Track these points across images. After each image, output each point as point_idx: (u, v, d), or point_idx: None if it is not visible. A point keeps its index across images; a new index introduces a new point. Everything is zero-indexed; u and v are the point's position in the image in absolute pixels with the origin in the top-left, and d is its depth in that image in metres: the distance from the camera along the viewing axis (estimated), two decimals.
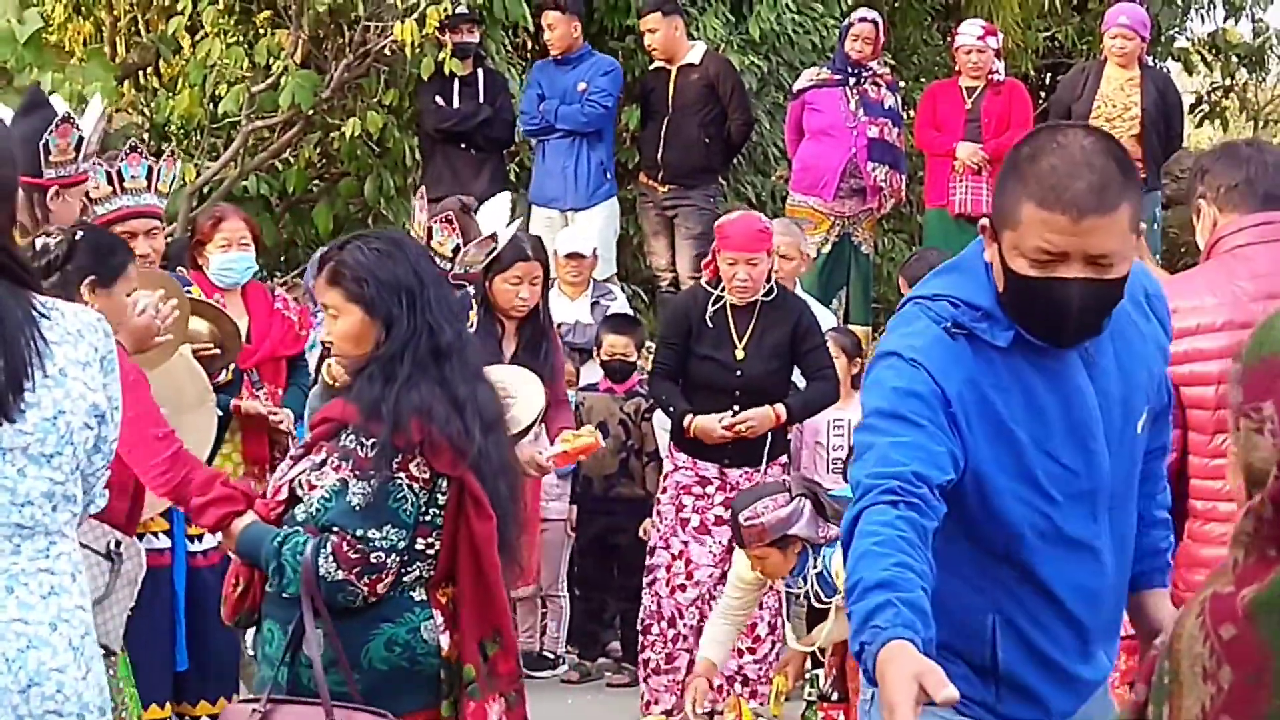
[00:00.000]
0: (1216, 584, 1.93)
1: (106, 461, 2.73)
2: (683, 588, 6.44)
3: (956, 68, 9.23)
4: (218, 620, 5.46)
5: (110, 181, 5.02)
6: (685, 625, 6.40)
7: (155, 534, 5.29)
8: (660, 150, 8.88)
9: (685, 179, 8.88)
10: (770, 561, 5.30)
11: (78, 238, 4.11)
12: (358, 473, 3.36)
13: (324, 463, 3.39)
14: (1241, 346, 1.91)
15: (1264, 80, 15.76)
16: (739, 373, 6.33)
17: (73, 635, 2.63)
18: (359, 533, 3.35)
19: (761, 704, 6.31)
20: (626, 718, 6.19)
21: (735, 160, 9.96)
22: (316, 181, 9.58)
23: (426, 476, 3.38)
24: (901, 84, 10.05)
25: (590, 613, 7.29)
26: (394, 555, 3.37)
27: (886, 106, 8.96)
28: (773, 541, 5.18)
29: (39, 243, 4.11)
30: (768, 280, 6.31)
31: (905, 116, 9.65)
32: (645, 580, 6.51)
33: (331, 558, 3.35)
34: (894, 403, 2.51)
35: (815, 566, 5.26)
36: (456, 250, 5.35)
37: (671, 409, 6.37)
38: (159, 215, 5.28)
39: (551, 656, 7.29)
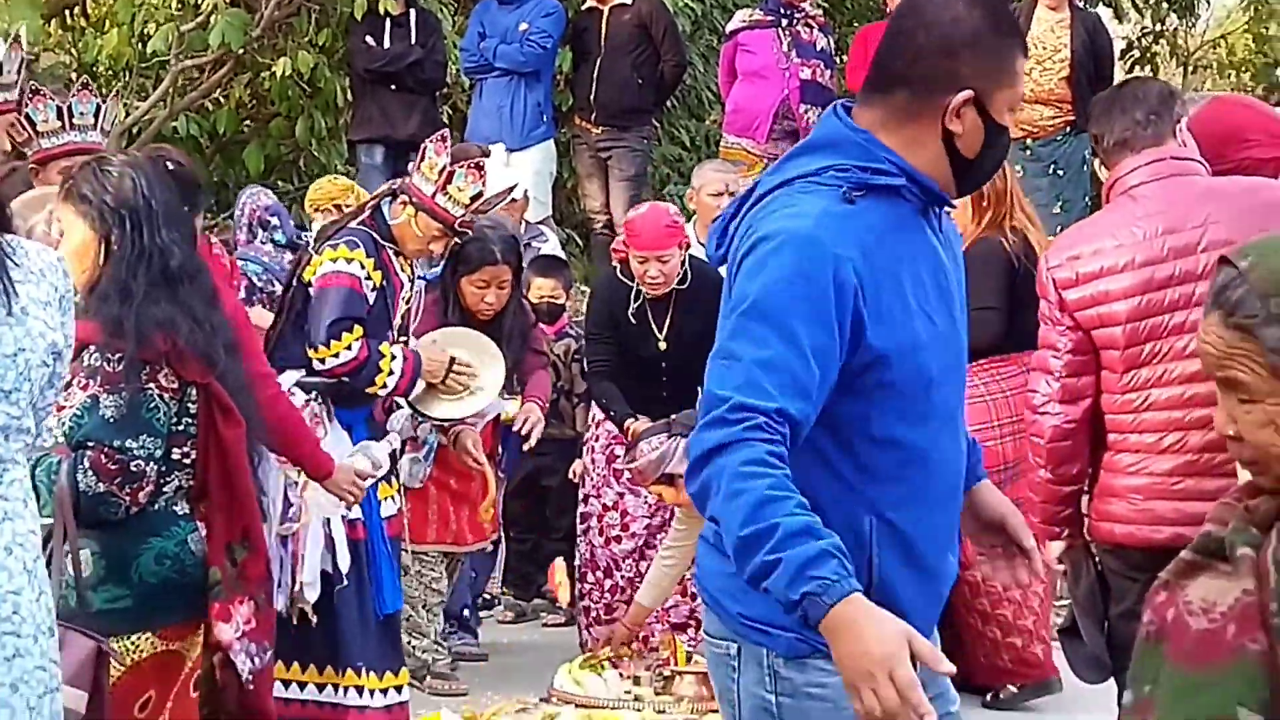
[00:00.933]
0: None
1: (57, 396, 2.84)
2: (618, 539, 6.46)
3: (889, 10, 9.25)
4: None
5: (60, 116, 5.02)
6: (622, 577, 6.43)
7: None
8: (593, 91, 8.87)
9: (618, 120, 8.87)
10: (667, 496, 5.57)
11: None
12: (107, 387, 3.43)
13: (69, 384, 3.41)
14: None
15: (1194, 25, 15.87)
16: (664, 363, 6.36)
17: (26, 559, 2.70)
18: (116, 443, 3.41)
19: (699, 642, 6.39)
20: (562, 655, 6.24)
21: (669, 104, 9.94)
22: (247, 122, 9.50)
23: (176, 386, 3.47)
24: (835, 27, 10.06)
25: (524, 554, 7.32)
26: (152, 464, 3.44)
27: (819, 48, 8.96)
28: (657, 480, 5.40)
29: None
30: (683, 266, 6.29)
31: (838, 60, 9.67)
32: (580, 527, 6.55)
33: (90, 471, 3.41)
34: (773, 300, 2.38)
35: None
36: (475, 198, 5.30)
37: (613, 413, 6.38)
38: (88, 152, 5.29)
39: (488, 597, 7.34)
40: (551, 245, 7.89)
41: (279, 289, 6.19)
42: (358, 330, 5.05)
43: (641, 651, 6.28)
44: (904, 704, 2.16)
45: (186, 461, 3.50)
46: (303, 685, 5.11)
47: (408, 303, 5.41)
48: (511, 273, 6.01)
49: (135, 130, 8.89)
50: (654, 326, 6.36)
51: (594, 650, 6.30)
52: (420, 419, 5.61)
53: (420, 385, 5.42)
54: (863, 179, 2.47)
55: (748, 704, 2.53)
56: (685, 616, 6.41)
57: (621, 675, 5.98)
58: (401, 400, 5.49)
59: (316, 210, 6.80)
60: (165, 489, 3.50)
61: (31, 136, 4.93)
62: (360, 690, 5.07)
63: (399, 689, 5.20)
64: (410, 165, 5.32)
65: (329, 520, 4.98)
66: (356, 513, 5.08)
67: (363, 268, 5.09)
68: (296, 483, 4.97)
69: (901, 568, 2.51)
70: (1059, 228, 6.23)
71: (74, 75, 8.62)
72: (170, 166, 4.41)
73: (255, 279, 6.44)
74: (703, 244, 6.74)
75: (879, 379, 2.45)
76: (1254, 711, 1.90)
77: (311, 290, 5.13)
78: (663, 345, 6.36)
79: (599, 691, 5.83)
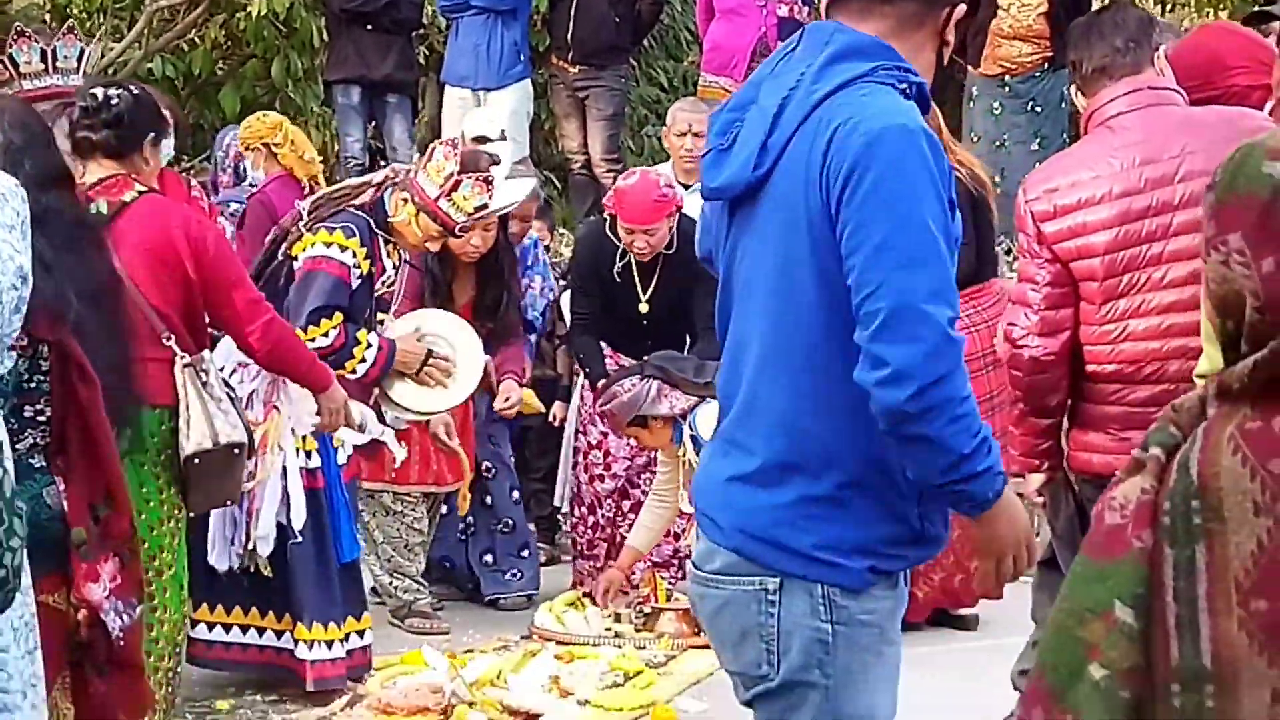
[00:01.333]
0: (1231, 421, 1.93)
1: (21, 322, 2.77)
2: (600, 478, 6.49)
3: None
4: None
5: (44, 59, 5.01)
6: (602, 515, 6.46)
7: None
8: (569, 29, 8.81)
9: (595, 58, 8.82)
10: (642, 439, 5.61)
11: (137, 94, 4.28)
12: None
13: None
14: (1214, 179, 1.92)
15: None
16: (645, 323, 6.36)
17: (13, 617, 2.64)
18: None
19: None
20: (543, 595, 6.28)
21: (647, 44, 9.89)
22: (222, 63, 9.45)
23: (25, 343, 3.34)
24: None
25: None
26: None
27: None
28: (631, 422, 5.44)
29: (99, 94, 4.28)
30: (670, 232, 6.25)
31: None
32: (569, 462, 6.57)
33: None
34: (935, 201, 2.43)
35: (689, 430, 5.42)
36: (480, 209, 5.25)
37: (589, 370, 6.38)
38: (61, 96, 5.27)
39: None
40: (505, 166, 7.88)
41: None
42: (337, 317, 5.09)
43: (623, 589, 6.32)
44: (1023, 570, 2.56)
45: (41, 419, 3.36)
46: (261, 631, 5.15)
47: (389, 286, 5.42)
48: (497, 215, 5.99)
49: (110, 72, 8.82)
50: (638, 287, 6.37)
51: (583, 582, 6.35)
52: (391, 408, 5.57)
53: (395, 375, 5.42)
54: (907, 78, 2.53)
55: (799, 636, 2.55)
56: (667, 556, 6.45)
57: (603, 613, 6.02)
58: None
59: (247, 149, 6.76)
60: (19, 446, 3.35)
61: (13, 77, 4.95)
62: (311, 644, 5.10)
63: (360, 633, 5.24)
64: (416, 161, 5.26)
65: (285, 474, 5.00)
66: (316, 461, 5.10)
67: (354, 256, 5.10)
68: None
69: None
70: (1036, 164, 6.22)
71: (47, 16, 8.54)
72: (135, 92, 4.38)
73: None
74: (681, 184, 6.77)
75: None
76: (1128, 607, 1.93)
77: (297, 267, 5.12)
78: (644, 307, 6.37)
79: (580, 629, 5.87)
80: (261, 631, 5.16)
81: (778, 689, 2.59)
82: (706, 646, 5.78)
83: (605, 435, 6.46)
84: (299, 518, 5.01)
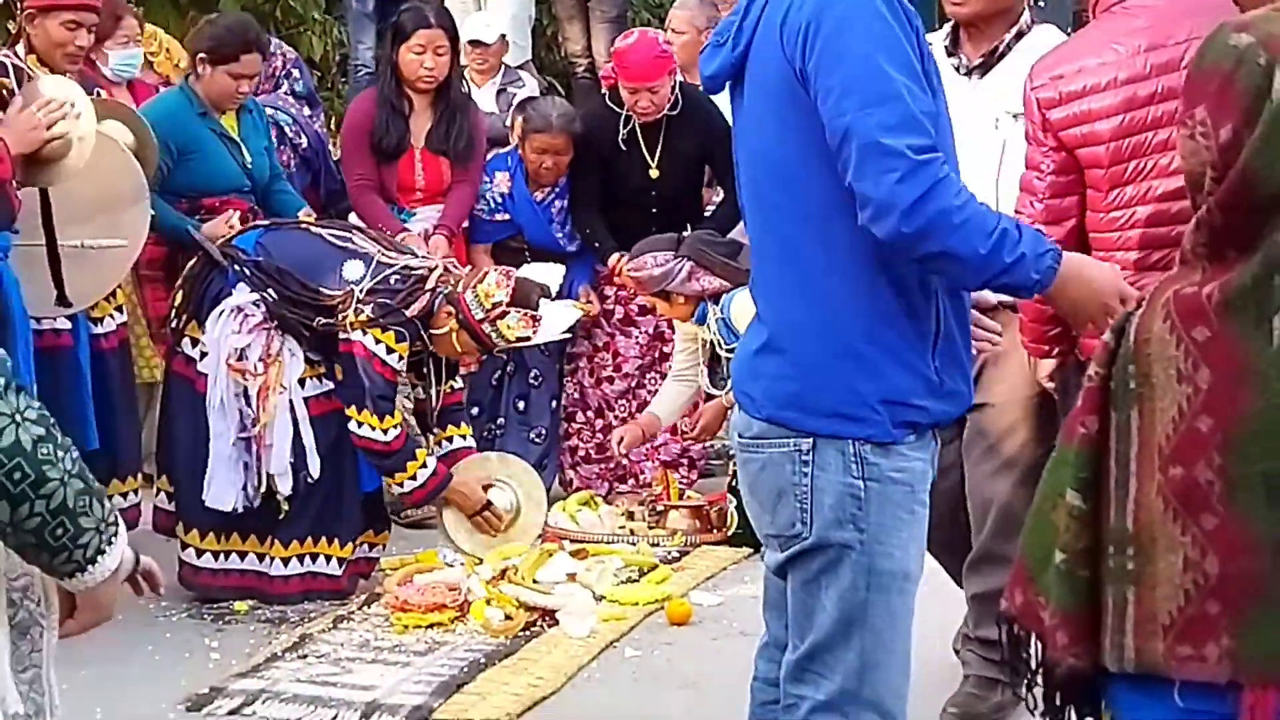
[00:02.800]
0: (1174, 285, 1.97)
1: None
2: (610, 380, 6.52)
3: None
4: (121, 401, 5.64)
5: None
6: (615, 417, 6.49)
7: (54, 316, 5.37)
8: None
9: None
10: (662, 309, 5.66)
11: None
12: None
13: None
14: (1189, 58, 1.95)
15: None
16: (654, 191, 6.36)
17: None
18: None
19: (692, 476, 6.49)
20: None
21: None
22: None
23: None
24: None
25: None
26: None
27: None
28: (655, 293, 5.48)
29: None
30: (673, 92, 6.28)
31: None
32: (566, 367, 6.59)
33: None
34: (893, 48, 2.54)
35: (717, 314, 5.45)
36: (520, 340, 5.21)
37: (598, 245, 6.38)
38: (97, 10, 5.30)
39: None
40: (529, 90, 7.83)
41: (305, 142, 6.42)
42: (399, 415, 5.09)
43: (635, 488, 6.38)
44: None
45: None
46: (260, 556, 5.21)
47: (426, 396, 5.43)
48: (448, 39, 6.11)
49: None
50: (645, 153, 6.37)
51: (590, 487, 6.40)
52: (440, 532, 5.52)
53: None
54: None
55: (832, 493, 2.65)
56: (675, 455, 6.50)
57: (615, 511, 6.08)
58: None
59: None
60: None
61: None
62: (329, 559, 5.19)
63: (370, 545, 5.35)
64: (464, 281, 5.16)
65: (293, 409, 5.03)
66: (327, 384, 5.15)
67: (400, 360, 5.10)
68: (248, 390, 5.02)
69: (956, 323, 2.72)
70: None
71: None
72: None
73: (287, 129, 6.49)
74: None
75: (938, 114, 2.63)
76: (1075, 491, 1.98)
77: (346, 339, 5.06)
78: (654, 173, 6.38)
79: (594, 527, 5.93)
80: (259, 557, 5.23)
81: (812, 548, 2.68)
82: (719, 543, 5.86)
83: (613, 336, 6.49)
84: (313, 457, 5.07)
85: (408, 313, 5.09)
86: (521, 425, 6.47)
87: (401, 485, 5.18)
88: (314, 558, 5.18)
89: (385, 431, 5.03)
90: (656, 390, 6.25)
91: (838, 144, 2.52)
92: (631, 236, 6.08)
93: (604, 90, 6.51)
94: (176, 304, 5.33)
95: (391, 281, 5.13)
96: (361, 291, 5.07)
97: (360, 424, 5.03)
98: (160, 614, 5.11)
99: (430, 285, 5.16)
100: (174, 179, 5.71)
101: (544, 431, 6.49)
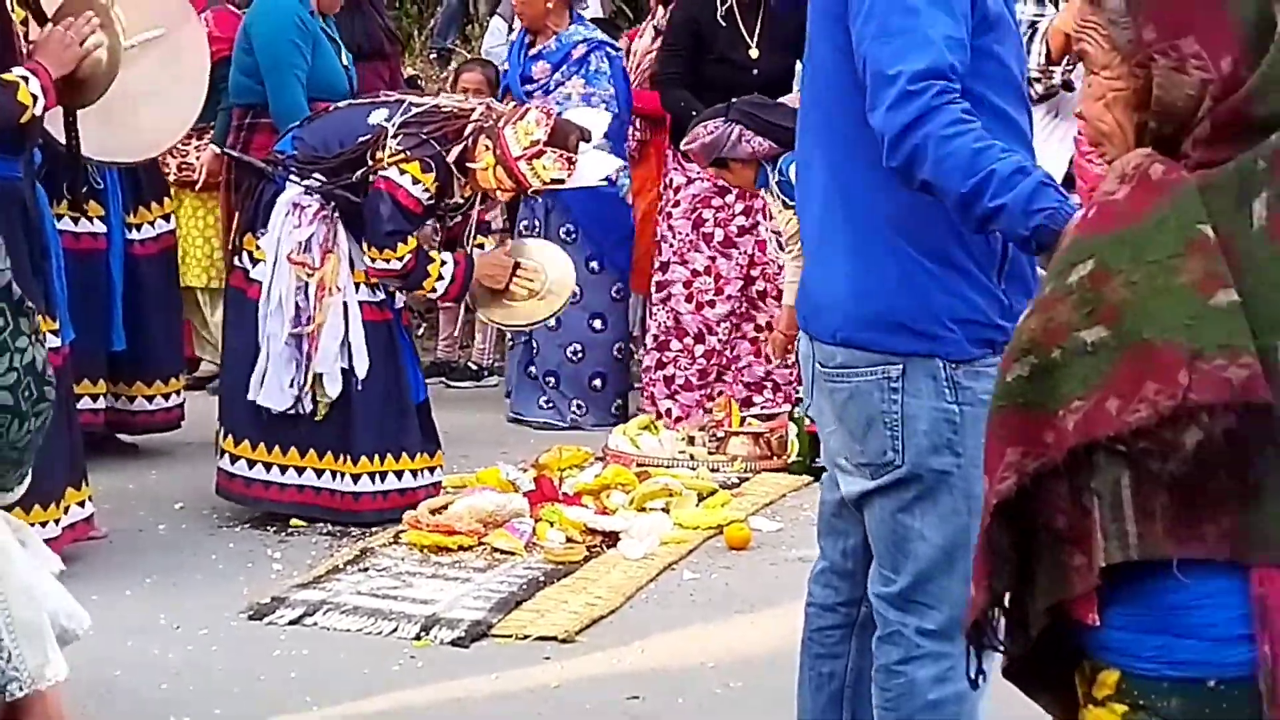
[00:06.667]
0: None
1: None
2: (711, 304, 6.47)
3: None
4: (156, 307, 5.68)
5: None
6: (717, 340, 6.47)
7: (90, 218, 5.41)
8: None
9: None
10: (726, 178, 5.66)
11: None
12: None
13: None
14: None
15: None
16: (755, 71, 6.32)
17: None
18: None
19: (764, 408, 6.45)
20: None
21: None
22: None
23: None
24: None
25: None
26: None
27: None
28: (712, 162, 5.46)
29: None
30: None
31: None
32: (657, 295, 6.57)
33: None
34: None
35: (777, 175, 5.42)
36: (555, 181, 5.18)
37: (694, 113, 6.30)
38: None
39: (475, 368, 7.48)
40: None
41: None
42: (412, 241, 5.10)
43: (696, 413, 6.38)
44: None
45: None
46: (319, 473, 5.19)
47: (459, 218, 5.40)
48: None
49: None
50: (744, 32, 6.35)
51: (689, 417, 6.38)
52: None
53: (486, 295, 5.40)
54: None
55: (926, 418, 2.63)
56: (759, 378, 6.46)
57: (676, 435, 6.09)
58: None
59: None
60: None
61: None
62: (358, 478, 5.16)
63: (431, 470, 5.32)
64: (506, 116, 5.14)
65: (346, 310, 5.06)
66: (380, 295, 5.18)
67: (427, 191, 5.08)
68: (307, 285, 5.04)
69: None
70: None
71: None
72: None
73: None
74: None
75: (993, 48, 2.59)
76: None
77: (373, 179, 5.09)
78: (754, 53, 6.36)
79: (654, 451, 5.94)
80: (317, 473, 5.21)
81: (907, 477, 2.66)
82: (779, 470, 5.86)
83: (713, 259, 6.45)
84: (361, 361, 5.09)
85: (446, 154, 5.09)
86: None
87: (434, 290, 5.23)
88: (382, 476, 5.19)
89: (402, 258, 5.08)
90: (757, 313, 6.30)
91: (862, 69, 2.53)
92: None
93: None
94: (235, 222, 5.38)
95: (420, 116, 5.17)
96: (393, 127, 5.11)
97: (374, 260, 5.07)
98: (224, 524, 5.17)
99: (472, 121, 5.17)
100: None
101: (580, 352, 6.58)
